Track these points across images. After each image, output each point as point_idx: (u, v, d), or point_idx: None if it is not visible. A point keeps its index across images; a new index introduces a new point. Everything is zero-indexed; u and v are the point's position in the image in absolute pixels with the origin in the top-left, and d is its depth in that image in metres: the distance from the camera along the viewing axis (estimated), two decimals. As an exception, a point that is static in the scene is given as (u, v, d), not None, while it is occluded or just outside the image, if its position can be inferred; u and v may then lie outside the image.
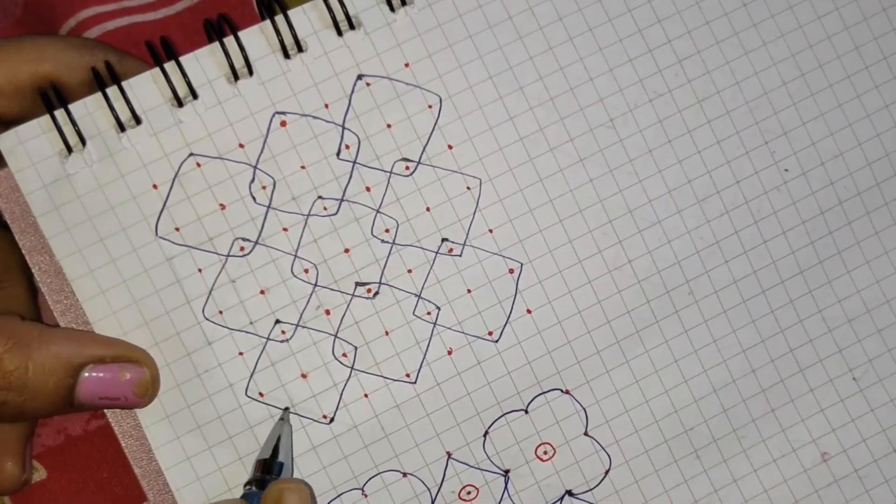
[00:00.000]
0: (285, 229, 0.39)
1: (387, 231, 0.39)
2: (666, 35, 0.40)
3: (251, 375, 0.39)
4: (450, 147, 0.39)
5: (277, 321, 0.39)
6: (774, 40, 0.40)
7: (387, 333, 0.39)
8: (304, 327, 0.39)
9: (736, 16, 0.40)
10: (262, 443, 0.38)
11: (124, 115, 0.38)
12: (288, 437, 0.38)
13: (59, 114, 0.37)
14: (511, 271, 0.40)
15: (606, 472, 0.40)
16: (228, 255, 0.39)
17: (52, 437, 0.43)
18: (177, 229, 0.38)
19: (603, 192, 0.40)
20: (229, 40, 0.38)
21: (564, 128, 0.39)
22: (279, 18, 0.38)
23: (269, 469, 0.37)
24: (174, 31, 0.44)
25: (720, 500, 0.41)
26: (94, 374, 0.37)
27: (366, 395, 0.39)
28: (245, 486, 0.37)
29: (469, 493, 0.40)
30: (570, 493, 0.40)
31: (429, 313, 0.39)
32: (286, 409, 0.39)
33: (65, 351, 0.36)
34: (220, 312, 0.39)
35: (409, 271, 0.39)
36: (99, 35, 0.44)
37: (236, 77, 0.38)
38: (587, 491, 0.40)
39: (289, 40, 0.38)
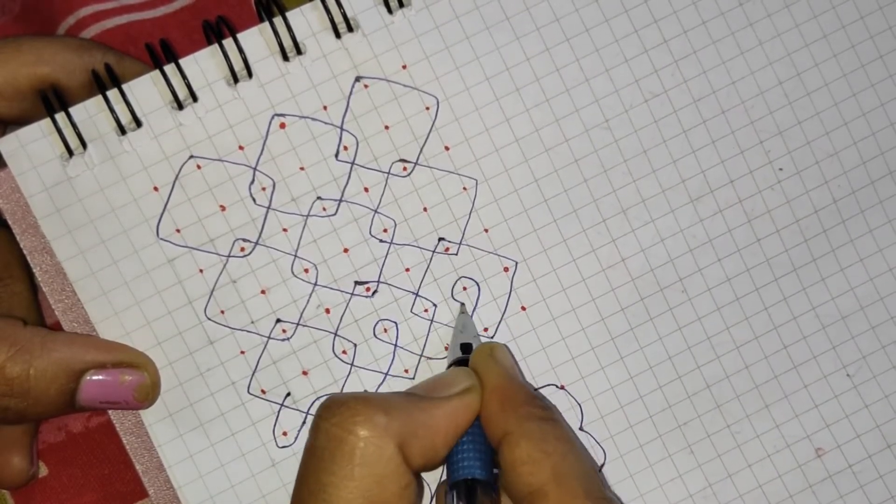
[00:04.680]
0: (285, 230, 0.40)
1: (385, 231, 0.41)
2: (662, 35, 0.41)
3: (253, 373, 0.40)
4: (447, 148, 0.41)
5: (278, 320, 0.41)
6: (770, 40, 0.42)
7: (385, 331, 0.41)
8: (304, 326, 0.41)
9: (732, 15, 0.42)
10: (452, 334, 0.41)
11: (125, 117, 0.39)
12: (471, 322, 0.41)
13: (60, 117, 0.39)
14: (506, 269, 0.41)
15: (601, 466, 0.42)
16: (229, 256, 0.40)
17: (54, 434, 0.44)
18: (178, 231, 0.40)
19: (597, 192, 0.42)
20: (228, 42, 0.39)
21: (560, 129, 0.41)
22: (278, 20, 0.39)
23: (468, 350, 0.39)
24: (172, 30, 0.46)
25: (715, 495, 0.42)
26: (94, 379, 0.39)
27: (365, 392, 0.41)
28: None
29: (467, 486, 0.42)
30: (566, 487, 0.43)
31: (426, 311, 0.41)
32: (462, 304, 0.41)
33: (66, 356, 0.38)
34: (222, 312, 0.40)
35: (407, 270, 0.41)
36: (97, 33, 0.45)
37: (236, 79, 0.39)
38: (583, 485, 0.43)
39: (287, 43, 0.39)
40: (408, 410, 0.35)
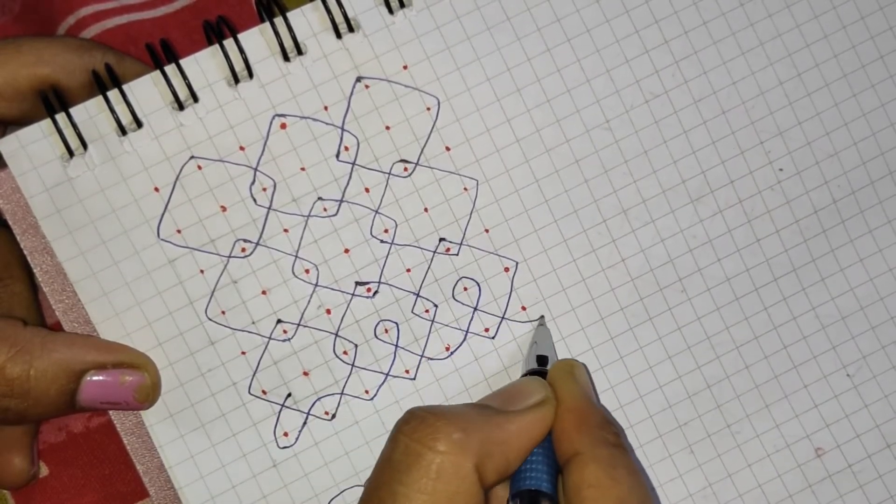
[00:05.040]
0: (286, 230, 0.41)
1: (386, 231, 0.41)
2: (663, 36, 0.42)
3: (254, 374, 0.41)
4: (447, 149, 0.41)
5: (279, 321, 0.41)
6: (771, 40, 0.42)
7: (386, 331, 0.42)
8: (305, 326, 0.41)
9: (733, 16, 0.42)
10: (526, 349, 0.41)
11: (125, 118, 0.39)
12: (549, 335, 0.41)
13: (60, 117, 0.39)
14: (506, 270, 0.42)
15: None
16: (230, 257, 0.41)
17: (54, 434, 0.45)
18: (178, 231, 0.40)
19: (597, 192, 0.42)
20: (229, 43, 0.39)
21: (561, 129, 0.42)
22: (278, 21, 0.40)
23: (544, 362, 0.40)
24: (173, 30, 0.46)
25: (715, 495, 0.43)
26: (95, 379, 0.39)
27: (366, 392, 0.42)
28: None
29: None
30: (567, 487, 0.43)
31: (427, 311, 0.42)
32: (542, 316, 0.42)
33: (66, 357, 0.38)
34: (223, 313, 0.41)
35: (408, 270, 0.41)
36: (97, 33, 0.46)
37: (236, 80, 0.40)
38: (584, 485, 0.43)
39: (288, 43, 0.40)
40: (486, 428, 0.35)
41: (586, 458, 0.35)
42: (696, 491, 0.43)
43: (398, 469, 0.34)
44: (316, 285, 0.41)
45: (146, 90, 0.40)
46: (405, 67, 0.41)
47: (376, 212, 0.41)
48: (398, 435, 0.35)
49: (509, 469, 0.36)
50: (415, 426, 0.35)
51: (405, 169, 0.41)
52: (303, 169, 0.41)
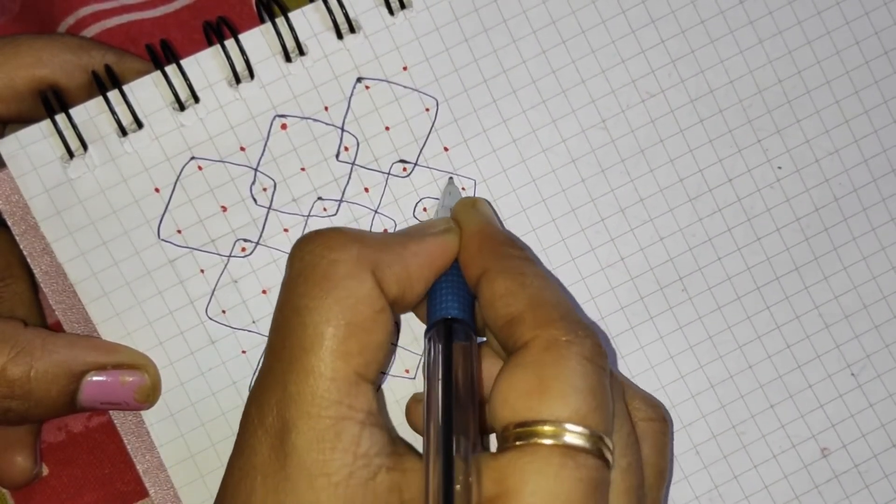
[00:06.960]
0: (286, 230, 0.42)
1: (385, 231, 0.43)
2: (659, 35, 0.43)
3: (254, 373, 0.42)
4: (446, 149, 0.43)
5: (279, 320, 0.43)
6: (771, 38, 0.43)
7: (385, 331, 0.44)
8: (304, 325, 0.43)
9: (732, 14, 0.43)
10: (439, 201, 0.42)
11: (126, 118, 0.41)
12: (458, 191, 0.43)
13: (60, 118, 0.40)
14: None
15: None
16: (230, 256, 0.42)
17: (54, 434, 0.46)
18: (179, 231, 0.42)
19: (595, 191, 0.43)
20: (230, 43, 0.41)
21: (557, 129, 0.43)
22: (280, 21, 0.41)
23: None
24: (173, 29, 0.47)
25: (721, 497, 0.44)
26: (95, 380, 0.40)
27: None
28: None
29: (469, 489, 0.44)
30: (570, 488, 0.44)
31: (426, 311, 0.44)
32: (451, 176, 0.43)
33: (67, 358, 0.40)
34: (223, 312, 0.42)
35: (407, 270, 0.44)
36: (97, 33, 0.47)
37: (238, 80, 0.41)
38: (586, 486, 0.44)
39: (290, 44, 0.41)
40: (383, 241, 0.37)
41: (493, 272, 0.36)
42: (703, 493, 0.44)
43: (297, 283, 0.35)
44: (315, 285, 0.43)
45: (147, 90, 0.41)
46: (405, 68, 0.42)
47: (376, 211, 0.43)
48: (294, 251, 0.36)
49: (413, 288, 0.37)
50: (309, 240, 0.36)
51: (404, 169, 0.43)
52: (303, 169, 0.42)
